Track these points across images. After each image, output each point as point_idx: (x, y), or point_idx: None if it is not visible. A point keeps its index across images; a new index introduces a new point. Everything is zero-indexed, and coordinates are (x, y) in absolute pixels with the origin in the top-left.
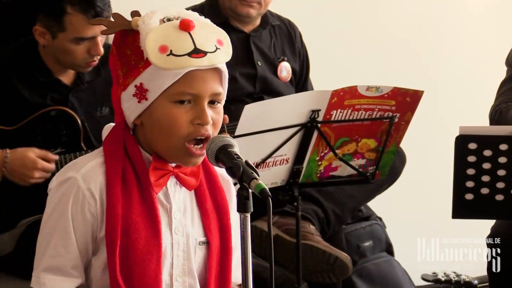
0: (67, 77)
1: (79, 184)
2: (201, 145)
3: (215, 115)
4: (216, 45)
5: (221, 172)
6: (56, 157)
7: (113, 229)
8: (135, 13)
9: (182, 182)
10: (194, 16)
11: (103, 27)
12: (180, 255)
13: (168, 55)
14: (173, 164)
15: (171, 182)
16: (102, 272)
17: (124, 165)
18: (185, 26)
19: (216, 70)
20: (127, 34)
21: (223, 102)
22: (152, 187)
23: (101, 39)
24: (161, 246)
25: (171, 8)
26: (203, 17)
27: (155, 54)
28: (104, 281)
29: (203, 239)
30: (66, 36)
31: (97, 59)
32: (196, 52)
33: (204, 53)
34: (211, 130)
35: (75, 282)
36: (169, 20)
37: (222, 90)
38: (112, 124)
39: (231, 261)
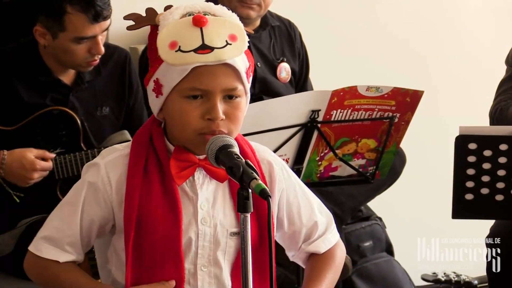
0: (67, 77)
1: (100, 170)
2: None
3: (232, 110)
4: (228, 40)
5: (263, 155)
6: (53, 155)
7: (128, 221)
8: (150, 10)
9: (210, 174)
10: (220, 11)
11: (104, 26)
12: (206, 245)
13: (176, 51)
14: (201, 157)
15: (200, 174)
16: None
17: (148, 156)
18: (197, 21)
19: (229, 66)
20: (154, 30)
21: (245, 97)
22: (173, 178)
23: (101, 38)
24: (181, 236)
25: (198, 3)
26: (229, 11)
27: (165, 49)
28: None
29: (235, 230)
30: (66, 36)
31: (98, 58)
32: (203, 48)
33: (211, 49)
34: (225, 125)
35: (68, 257)
36: (191, 15)
37: (239, 84)
38: None
39: (271, 255)
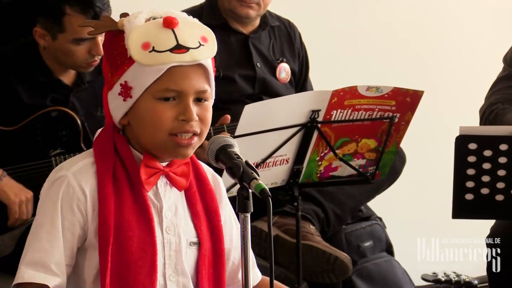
0: (67, 77)
1: (70, 181)
2: (190, 135)
3: (203, 111)
4: (200, 41)
5: (210, 170)
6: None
7: (105, 228)
8: (124, 15)
9: (172, 182)
10: (182, 15)
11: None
12: (173, 255)
13: (150, 51)
14: (164, 164)
15: (162, 182)
16: (95, 276)
17: (115, 164)
18: (168, 23)
19: (201, 67)
20: (115, 35)
21: (211, 100)
22: (143, 185)
23: (101, 39)
24: (156, 244)
25: (159, 9)
26: (191, 17)
27: (137, 51)
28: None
29: (194, 239)
30: (66, 37)
31: (98, 59)
32: (178, 48)
33: (187, 49)
34: (198, 127)
35: (54, 280)
36: (154, 19)
37: (208, 87)
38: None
39: (224, 264)
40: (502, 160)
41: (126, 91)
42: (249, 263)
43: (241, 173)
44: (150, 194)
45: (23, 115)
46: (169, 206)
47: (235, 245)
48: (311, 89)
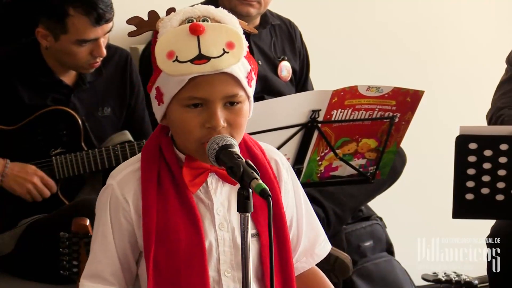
0: (68, 78)
1: (114, 190)
2: None
3: (233, 116)
4: (225, 48)
5: (270, 153)
6: (55, 188)
7: (148, 235)
8: (152, 13)
9: (223, 178)
10: (219, 15)
11: (106, 29)
12: (227, 250)
13: (174, 61)
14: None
15: (212, 179)
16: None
17: (160, 168)
18: (194, 30)
19: (227, 74)
20: (156, 35)
21: (247, 101)
22: (188, 186)
23: (103, 41)
24: (204, 244)
25: (198, 7)
26: (229, 14)
27: (163, 59)
28: None
29: (253, 231)
30: (68, 38)
31: (99, 60)
32: (199, 59)
33: (207, 59)
34: (227, 132)
35: None
36: (191, 21)
37: (240, 90)
38: None
39: (290, 251)
40: (503, 160)
41: (159, 96)
42: (249, 263)
43: (242, 173)
44: (200, 192)
45: (24, 115)
46: (221, 202)
47: (293, 230)
48: (312, 88)
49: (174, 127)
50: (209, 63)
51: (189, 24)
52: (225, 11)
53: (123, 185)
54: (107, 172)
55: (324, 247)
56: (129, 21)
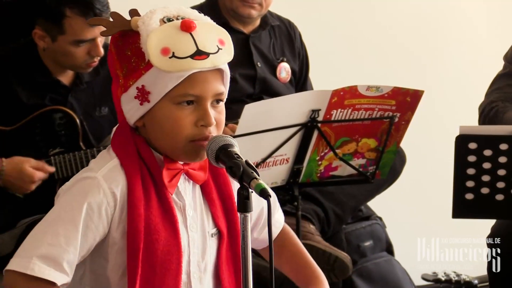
0: (66, 78)
1: (100, 183)
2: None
3: (218, 115)
4: (218, 45)
5: None
6: (52, 169)
7: (136, 232)
8: (134, 12)
9: (192, 178)
10: (194, 14)
11: (102, 28)
12: (195, 252)
13: (170, 57)
14: (181, 162)
15: (181, 180)
16: (120, 277)
17: (140, 166)
18: (187, 27)
19: (218, 70)
20: (127, 34)
21: (224, 100)
22: (167, 187)
23: (100, 40)
24: (181, 245)
25: (171, 7)
26: (202, 14)
27: (157, 56)
28: (122, 285)
29: (214, 230)
30: (66, 39)
31: (97, 60)
32: (199, 54)
33: (207, 55)
34: (215, 131)
35: (63, 278)
36: (169, 20)
37: (225, 89)
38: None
39: (239, 247)
40: (502, 159)
41: (143, 95)
42: (249, 263)
43: (241, 172)
44: (174, 194)
45: (22, 115)
46: (189, 202)
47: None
48: (311, 88)
49: (160, 126)
50: (209, 59)
51: (179, 21)
52: (196, 11)
53: (110, 179)
54: None
55: (280, 213)
56: (92, 22)
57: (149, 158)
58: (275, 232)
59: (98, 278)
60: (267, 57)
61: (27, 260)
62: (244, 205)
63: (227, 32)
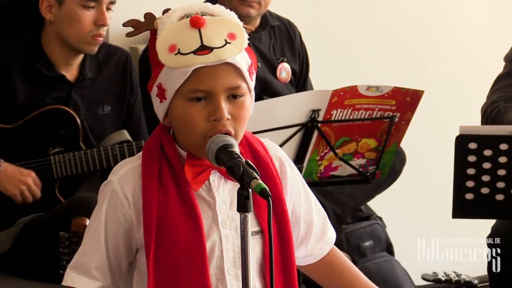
0: (70, 73)
1: (114, 187)
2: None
3: (236, 109)
4: (227, 39)
5: (272, 150)
6: (38, 195)
7: (148, 233)
8: (149, 15)
9: (226, 176)
10: (218, 10)
11: None
12: (230, 248)
13: (176, 54)
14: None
15: (215, 177)
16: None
17: (161, 165)
18: (195, 23)
19: (230, 65)
20: (154, 34)
21: (248, 95)
22: (190, 184)
23: (108, 16)
24: (204, 241)
25: (196, 5)
26: (227, 10)
27: (164, 53)
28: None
29: (256, 228)
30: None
31: (103, 33)
32: (202, 49)
33: (210, 49)
34: (231, 125)
35: (94, 284)
36: (188, 17)
37: (243, 82)
38: None
39: (292, 248)
40: (502, 159)
41: (161, 93)
42: (249, 262)
43: (241, 173)
44: (202, 191)
45: (23, 113)
46: (224, 200)
47: (303, 220)
48: (311, 88)
49: (178, 123)
50: (212, 53)
51: (189, 17)
52: (223, 7)
53: (124, 182)
54: (105, 172)
55: (332, 229)
56: (126, 24)
57: (172, 156)
58: (326, 249)
59: (140, 275)
60: (267, 57)
61: (66, 273)
62: (244, 205)
63: (241, 26)
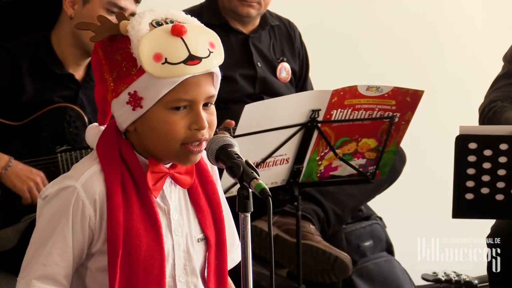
0: (78, 73)
1: (79, 193)
2: (198, 142)
3: (210, 116)
4: (209, 48)
5: (204, 157)
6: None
7: (115, 239)
8: (121, 15)
9: (178, 182)
10: (182, 17)
11: (133, 3)
12: (181, 256)
13: (163, 63)
14: (168, 165)
15: (166, 183)
16: (102, 274)
17: (122, 171)
18: (177, 31)
19: (210, 74)
20: (116, 39)
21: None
22: (151, 191)
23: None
24: (164, 250)
25: (158, 9)
26: (189, 16)
27: (149, 63)
28: (104, 283)
29: (200, 235)
30: (100, 0)
31: None
32: (191, 59)
33: (199, 59)
34: (207, 133)
35: None
36: (158, 23)
37: (215, 91)
38: (95, 125)
39: (226, 255)
40: (502, 159)
41: (135, 101)
42: (249, 263)
43: (241, 172)
44: (157, 198)
45: (30, 110)
46: (175, 206)
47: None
48: (311, 88)
49: (153, 131)
50: (202, 63)
51: (170, 25)
52: (183, 13)
53: (89, 188)
54: None
55: (238, 253)
56: (80, 27)
57: (132, 162)
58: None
59: (83, 281)
60: (267, 57)
61: (27, 282)
62: (244, 205)
63: (216, 35)
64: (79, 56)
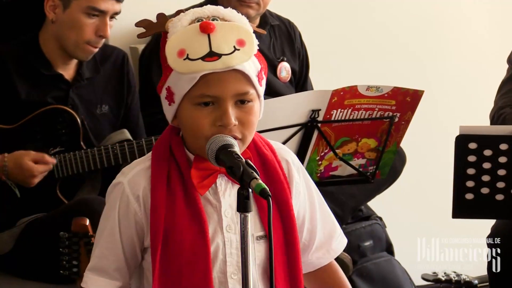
0: (67, 72)
1: (125, 189)
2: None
3: (244, 114)
4: (235, 45)
5: (281, 153)
6: (53, 160)
7: (155, 234)
8: (161, 16)
9: (232, 180)
10: (229, 15)
11: (116, 8)
12: (234, 253)
13: (184, 59)
14: None
15: (222, 181)
16: (150, 273)
17: (170, 167)
18: (205, 28)
19: (238, 71)
20: (165, 36)
21: (257, 101)
22: (196, 188)
23: (110, 24)
24: (209, 246)
25: (207, 8)
26: (239, 14)
27: (173, 58)
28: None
29: (261, 233)
30: (80, 4)
31: (98, 46)
32: (210, 56)
33: (219, 56)
34: (238, 131)
35: (114, 284)
36: (200, 20)
37: (251, 88)
38: None
39: (298, 252)
40: (502, 159)
41: (170, 96)
42: (249, 262)
43: (241, 172)
44: (209, 194)
45: (23, 113)
46: (230, 204)
47: (306, 224)
48: (311, 88)
49: (185, 126)
50: (220, 60)
51: (199, 22)
52: (235, 11)
53: (134, 184)
54: (106, 171)
55: (340, 241)
56: (138, 24)
57: (180, 158)
58: (325, 260)
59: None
60: (267, 57)
61: (85, 274)
62: (244, 205)
63: (250, 32)
64: (65, 56)
